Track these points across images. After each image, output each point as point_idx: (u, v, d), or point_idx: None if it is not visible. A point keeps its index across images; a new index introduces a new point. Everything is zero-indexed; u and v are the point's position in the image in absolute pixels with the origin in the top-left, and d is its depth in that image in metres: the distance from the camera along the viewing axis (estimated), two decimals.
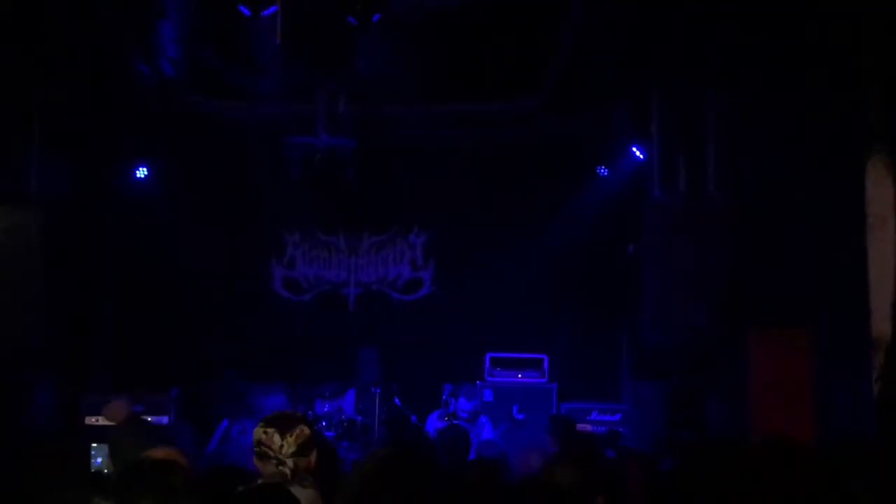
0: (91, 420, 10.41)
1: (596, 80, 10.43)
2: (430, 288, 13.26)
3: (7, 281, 9.22)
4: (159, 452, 3.76)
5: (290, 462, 4.11)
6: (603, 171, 12.38)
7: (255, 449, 4.17)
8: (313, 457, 4.20)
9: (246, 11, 8.83)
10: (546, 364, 11.69)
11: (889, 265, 6.59)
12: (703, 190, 9.53)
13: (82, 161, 11.07)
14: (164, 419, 11.08)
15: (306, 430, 4.19)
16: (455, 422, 9.64)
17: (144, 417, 8.69)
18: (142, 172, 12.40)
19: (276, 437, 4.14)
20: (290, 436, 4.14)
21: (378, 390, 10.95)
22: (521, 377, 11.71)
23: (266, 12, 8.79)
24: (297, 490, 3.92)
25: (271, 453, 4.12)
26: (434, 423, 10.33)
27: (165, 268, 12.47)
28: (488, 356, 11.76)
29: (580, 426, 10.79)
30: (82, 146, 11.03)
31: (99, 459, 4.28)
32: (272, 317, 12.91)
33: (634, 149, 11.35)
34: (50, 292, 9.51)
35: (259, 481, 4.05)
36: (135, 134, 11.75)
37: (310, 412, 10.74)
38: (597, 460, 5.52)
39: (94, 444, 4.10)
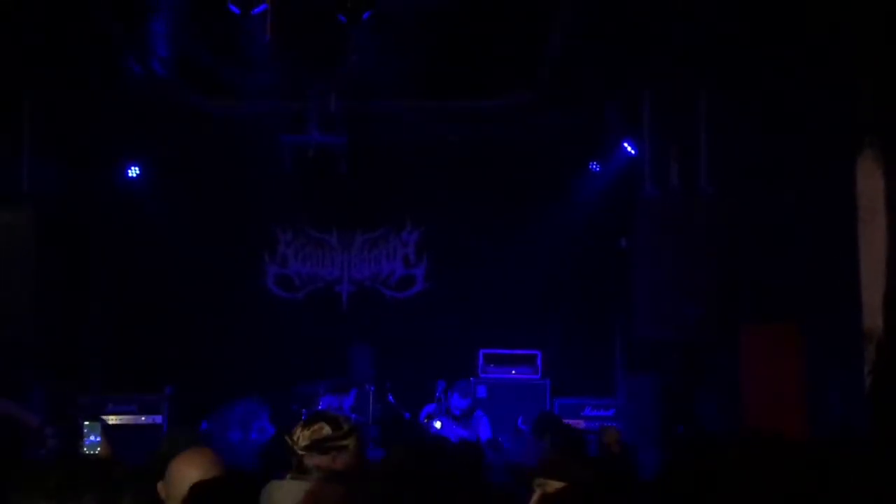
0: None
1: (588, 76, 10.43)
2: (422, 285, 13.26)
3: (0, 280, 9.21)
4: (192, 452, 3.77)
5: (301, 455, 4.16)
6: (595, 166, 12.39)
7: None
8: (338, 458, 4.21)
9: (235, 10, 8.83)
10: (539, 360, 11.69)
11: (880, 259, 6.61)
12: (694, 185, 9.55)
13: (74, 160, 11.05)
14: (158, 418, 11.08)
15: (325, 429, 4.23)
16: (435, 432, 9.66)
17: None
18: (134, 171, 12.38)
19: (297, 430, 4.23)
20: (308, 430, 4.20)
21: (372, 388, 10.94)
22: (515, 373, 11.71)
23: (256, 10, 8.79)
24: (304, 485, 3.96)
25: (290, 444, 4.19)
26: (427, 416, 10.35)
27: (158, 266, 12.44)
28: (481, 353, 11.75)
29: (574, 422, 10.81)
30: (74, 145, 11.02)
31: (92, 437, 4.26)
32: (265, 314, 12.89)
33: (626, 144, 11.35)
34: (43, 291, 9.50)
35: (288, 476, 4.12)
36: (126, 132, 11.73)
37: (304, 410, 10.72)
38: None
39: (87, 423, 4.08)
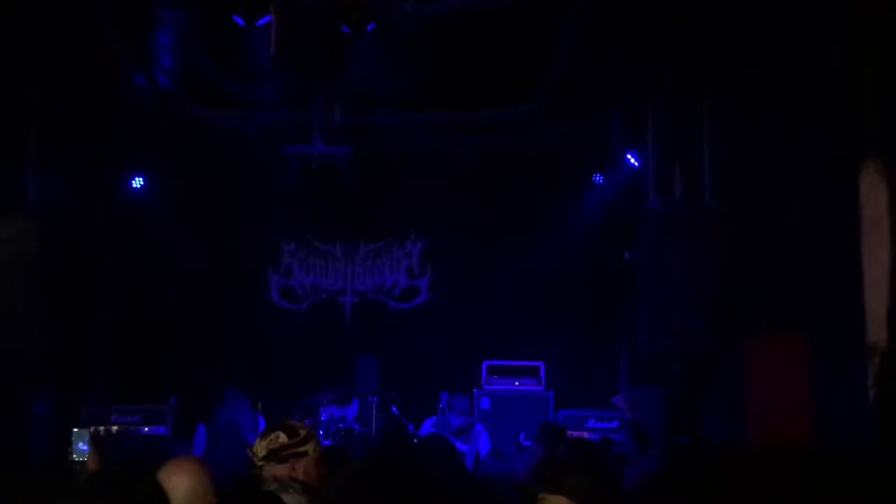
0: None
1: (592, 89, 10.45)
2: (426, 296, 13.28)
3: (5, 291, 9.22)
4: (180, 461, 3.77)
5: (260, 465, 4.16)
6: (599, 178, 12.41)
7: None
8: (297, 465, 4.20)
9: (240, 21, 8.86)
10: (543, 371, 11.69)
11: (884, 270, 6.60)
12: (698, 197, 9.54)
13: (79, 171, 11.09)
14: (162, 429, 11.08)
15: (281, 437, 4.21)
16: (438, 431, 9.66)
17: None
18: (138, 182, 12.43)
19: (257, 441, 4.21)
20: (265, 440, 4.19)
21: (376, 399, 10.94)
22: (519, 385, 11.70)
23: (260, 22, 8.82)
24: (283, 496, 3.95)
25: (251, 455, 4.19)
26: (429, 429, 10.33)
27: (162, 277, 12.48)
28: (485, 364, 11.76)
29: (577, 433, 10.80)
30: (79, 157, 11.05)
31: (80, 445, 4.27)
32: (269, 326, 12.91)
33: (630, 156, 11.37)
34: (48, 302, 9.51)
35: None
36: (131, 144, 11.77)
37: (307, 421, 10.72)
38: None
39: (76, 430, 4.09)
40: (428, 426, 10.54)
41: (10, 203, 9.68)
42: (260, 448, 4.19)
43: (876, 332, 6.58)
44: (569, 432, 10.40)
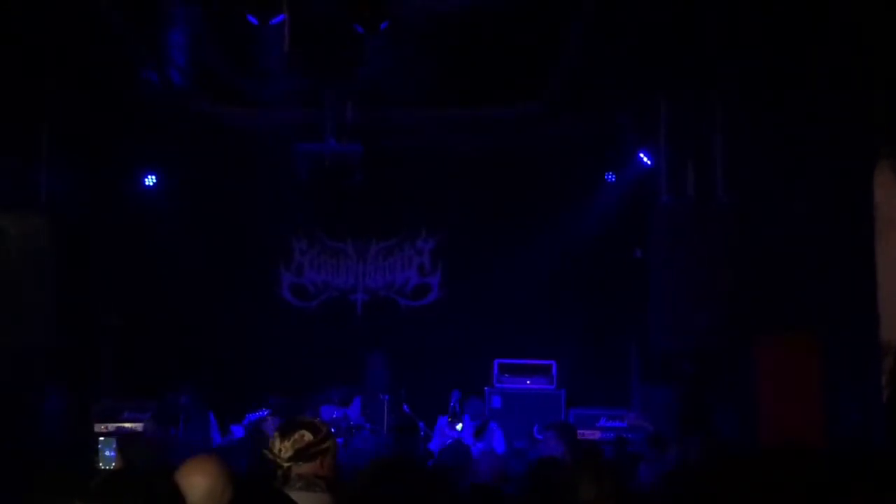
0: (101, 427, 10.45)
1: (603, 85, 10.43)
2: (437, 293, 13.27)
3: (17, 287, 9.25)
4: (198, 460, 3.77)
5: (287, 466, 4.14)
6: (610, 176, 12.39)
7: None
8: (324, 462, 4.20)
9: (254, 20, 8.86)
10: (554, 370, 11.66)
11: None
12: (710, 194, 9.52)
13: (91, 168, 11.12)
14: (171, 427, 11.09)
15: (307, 436, 4.20)
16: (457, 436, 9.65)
17: None
18: (150, 180, 12.47)
19: (276, 442, 4.19)
20: (288, 440, 4.17)
21: (386, 397, 10.93)
22: (530, 383, 11.68)
23: (274, 20, 8.82)
24: (301, 495, 3.94)
25: (272, 457, 4.17)
26: (443, 429, 10.32)
27: (174, 274, 12.49)
28: (496, 362, 11.73)
29: (589, 432, 10.78)
30: (91, 154, 11.08)
31: (108, 452, 4.29)
32: (280, 323, 12.92)
33: (642, 154, 11.35)
34: (60, 298, 9.54)
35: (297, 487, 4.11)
36: (143, 141, 11.79)
37: (316, 419, 10.69)
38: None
39: (102, 438, 4.11)
40: (443, 424, 10.52)
41: (23, 200, 9.71)
42: (284, 449, 4.15)
43: (889, 331, 6.57)
44: (580, 431, 10.40)
